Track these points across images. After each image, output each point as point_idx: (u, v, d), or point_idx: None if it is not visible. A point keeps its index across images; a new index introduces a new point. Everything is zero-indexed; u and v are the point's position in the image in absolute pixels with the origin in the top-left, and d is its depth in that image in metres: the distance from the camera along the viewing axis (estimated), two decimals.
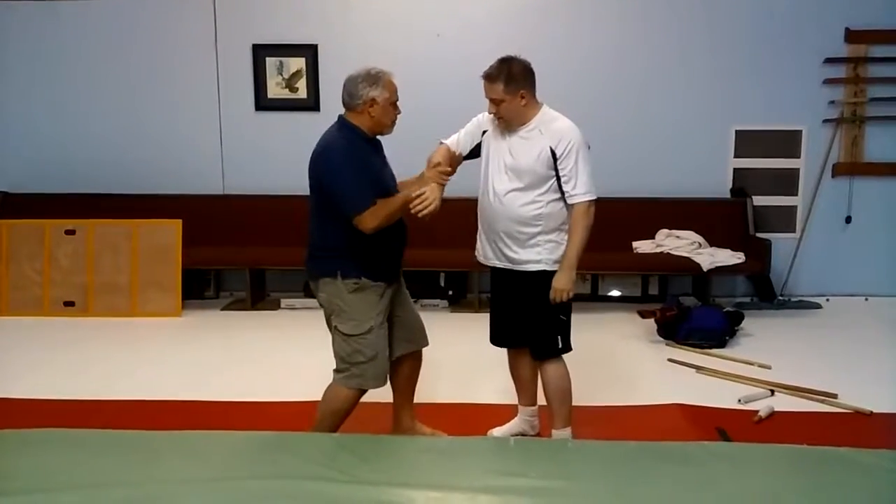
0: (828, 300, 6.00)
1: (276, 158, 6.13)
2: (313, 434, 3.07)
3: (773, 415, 3.67)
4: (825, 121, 5.98)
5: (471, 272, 5.82)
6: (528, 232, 3.08)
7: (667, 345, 4.85)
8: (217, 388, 4.09)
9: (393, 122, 3.04)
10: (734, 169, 6.10)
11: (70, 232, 5.70)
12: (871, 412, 3.70)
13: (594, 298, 5.99)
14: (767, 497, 2.55)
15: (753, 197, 5.98)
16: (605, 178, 5.62)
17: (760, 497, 2.56)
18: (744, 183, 6.06)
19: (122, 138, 6.24)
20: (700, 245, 5.77)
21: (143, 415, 3.71)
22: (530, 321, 3.19)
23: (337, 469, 2.68)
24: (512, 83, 3.00)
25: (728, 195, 6.09)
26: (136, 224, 5.69)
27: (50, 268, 5.68)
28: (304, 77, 6.11)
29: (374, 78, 2.94)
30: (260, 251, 5.92)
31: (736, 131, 6.06)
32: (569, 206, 3.09)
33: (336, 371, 3.08)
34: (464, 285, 6.01)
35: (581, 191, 3.06)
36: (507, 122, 3.08)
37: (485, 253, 3.23)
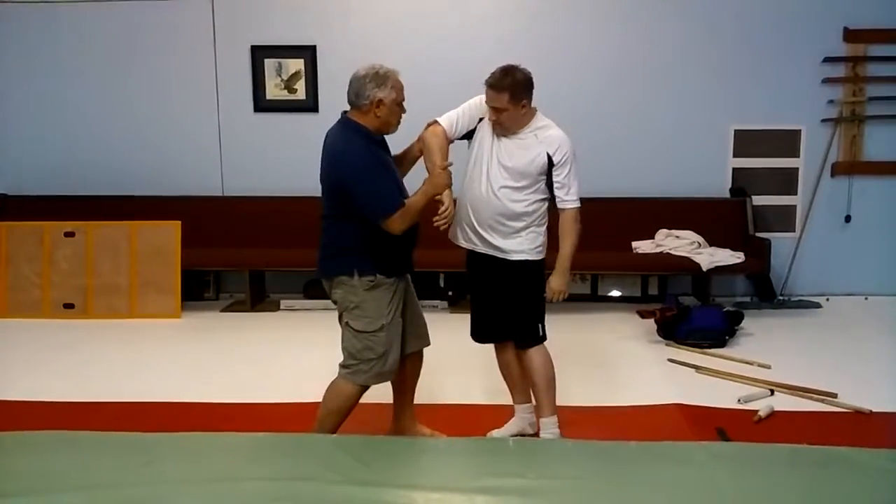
0: (827, 299, 6.00)
1: (276, 160, 6.14)
2: (313, 435, 3.07)
3: (772, 414, 3.66)
4: (824, 120, 5.98)
5: None
6: (514, 226, 3.19)
7: (666, 345, 4.84)
8: (216, 389, 4.09)
9: (398, 122, 3.04)
10: (733, 168, 6.10)
11: (69, 234, 5.70)
12: (871, 411, 3.69)
13: (594, 298, 5.99)
14: (767, 497, 2.56)
15: (753, 196, 5.98)
16: (604, 178, 5.74)
17: (760, 497, 2.56)
18: (743, 182, 6.06)
19: (121, 140, 6.24)
20: (699, 245, 5.77)
21: (142, 416, 3.70)
22: (512, 310, 3.26)
23: (336, 470, 2.68)
24: (517, 94, 3.07)
25: (727, 195, 6.10)
26: (136, 226, 5.69)
27: (49, 270, 5.68)
28: (303, 78, 6.11)
29: (382, 78, 2.93)
30: (259, 252, 5.92)
31: (735, 131, 6.06)
32: (559, 210, 3.24)
33: (342, 366, 3.09)
34: (463, 286, 6.00)
35: (573, 198, 3.22)
36: (504, 130, 3.15)
37: (466, 237, 3.27)
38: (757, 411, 3.67)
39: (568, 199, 3.20)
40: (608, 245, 5.58)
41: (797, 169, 6.10)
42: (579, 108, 5.82)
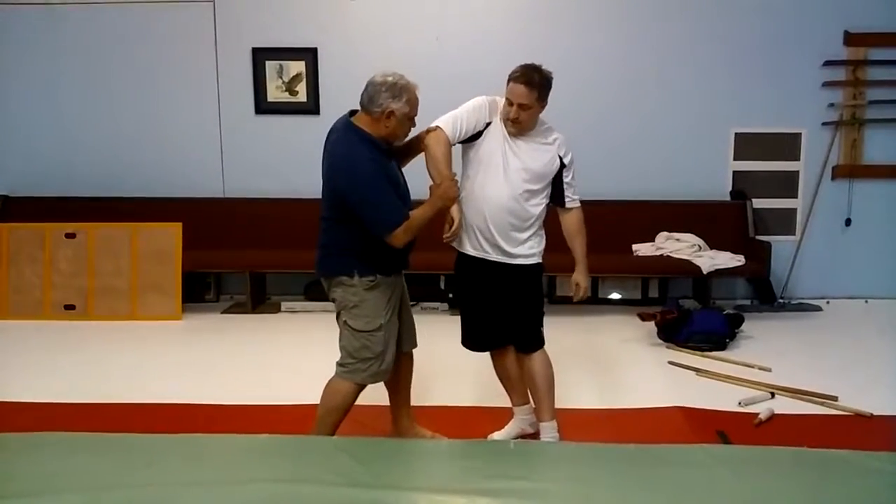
0: (828, 302, 6.00)
1: (277, 162, 6.14)
2: (313, 437, 3.07)
3: (773, 417, 3.66)
4: (824, 123, 5.99)
5: None
6: (527, 230, 3.18)
7: (667, 347, 4.84)
8: (217, 391, 4.09)
9: (406, 135, 3.04)
10: (734, 171, 6.11)
11: (70, 235, 5.70)
12: (872, 414, 3.69)
13: (594, 301, 5.97)
14: (768, 499, 2.55)
15: (753, 199, 5.98)
16: (605, 181, 5.75)
17: (761, 500, 2.55)
18: (744, 185, 6.06)
19: (122, 142, 6.25)
20: (700, 248, 5.77)
21: (143, 418, 3.71)
22: (518, 315, 3.24)
23: (336, 472, 2.68)
24: (544, 94, 3.07)
25: (728, 198, 6.10)
26: (137, 227, 5.69)
27: (50, 271, 5.68)
28: (304, 80, 6.12)
29: (399, 90, 2.89)
30: (260, 254, 5.92)
31: (735, 134, 6.06)
32: (566, 210, 3.28)
33: (339, 365, 3.09)
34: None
35: (578, 196, 3.30)
36: (521, 128, 3.12)
37: (478, 245, 3.19)
38: (757, 414, 3.67)
39: (576, 198, 3.27)
40: (609, 248, 5.57)
41: (798, 172, 6.10)
42: (580, 111, 5.83)
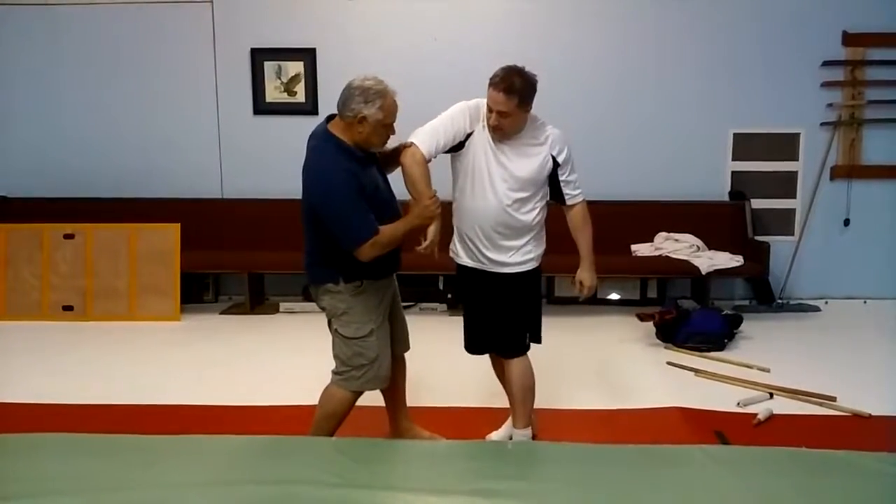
0: (826, 303, 6.01)
1: (275, 162, 6.13)
2: (311, 438, 3.07)
3: (771, 418, 3.67)
4: (823, 123, 5.99)
5: None
6: (522, 237, 3.09)
7: (665, 348, 4.85)
8: (216, 391, 4.09)
9: (382, 143, 2.91)
10: (732, 172, 6.11)
11: (69, 236, 5.70)
12: (870, 415, 3.70)
13: (593, 301, 5.90)
14: (766, 500, 2.56)
15: (752, 200, 5.99)
16: (603, 181, 5.74)
17: (760, 500, 2.56)
18: (742, 186, 6.06)
19: (121, 142, 6.25)
20: (699, 248, 5.77)
21: (141, 419, 3.71)
22: (503, 319, 3.16)
23: (335, 473, 2.68)
24: (526, 100, 2.92)
25: (726, 198, 6.10)
26: (135, 228, 5.69)
27: (49, 272, 5.68)
28: (303, 81, 6.12)
29: (371, 95, 2.79)
30: (259, 255, 5.92)
31: (734, 134, 6.06)
32: (569, 206, 3.17)
33: (335, 373, 3.07)
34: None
35: (579, 191, 3.17)
36: (504, 135, 3.00)
37: (473, 256, 3.13)
38: (756, 414, 3.67)
39: (577, 193, 3.14)
40: (607, 248, 5.51)
41: (796, 172, 6.10)
42: (579, 111, 5.83)
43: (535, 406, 3.43)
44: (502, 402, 3.52)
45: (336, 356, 3.06)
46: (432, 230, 2.91)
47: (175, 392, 4.09)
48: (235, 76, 6.16)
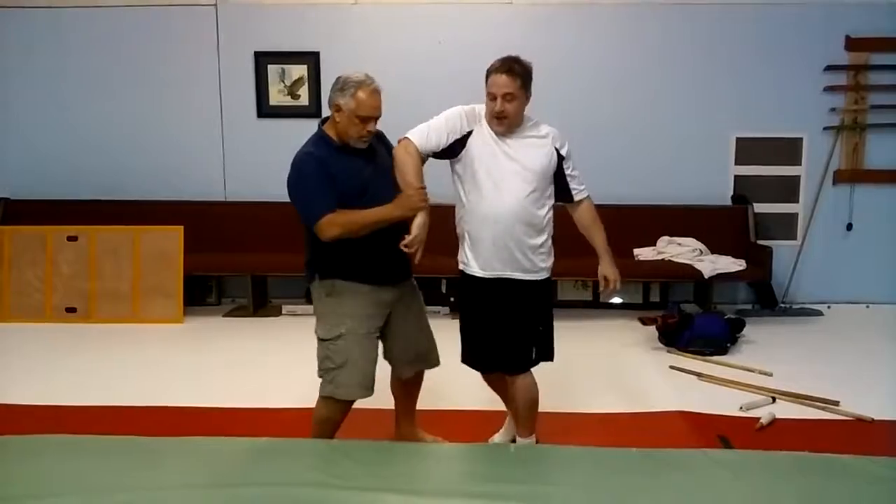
0: (829, 307, 6.00)
1: (278, 165, 6.01)
2: (313, 440, 3.06)
3: (774, 422, 3.66)
4: (826, 128, 5.99)
5: None
6: (540, 237, 3.02)
7: (668, 352, 4.84)
8: (218, 394, 4.09)
9: (360, 137, 2.84)
10: (735, 176, 6.12)
11: (72, 238, 5.71)
12: (873, 419, 3.69)
13: (595, 305, 5.98)
14: None
15: (755, 204, 5.99)
16: (606, 185, 5.73)
17: None
18: (745, 190, 6.07)
19: (124, 145, 6.26)
20: (701, 252, 5.77)
21: (144, 420, 3.71)
22: (516, 332, 3.05)
23: (337, 475, 2.68)
24: (528, 81, 2.92)
25: (729, 202, 6.10)
26: (138, 230, 5.70)
27: (52, 274, 5.69)
28: (306, 84, 6.14)
29: (347, 85, 2.81)
30: (262, 258, 5.93)
31: (737, 139, 6.07)
32: (576, 202, 3.15)
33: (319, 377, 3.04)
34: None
35: (584, 186, 3.16)
36: (509, 123, 2.93)
37: (488, 265, 3.03)
38: (759, 419, 3.67)
39: (583, 188, 3.13)
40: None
41: (799, 177, 6.11)
42: (582, 115, 5.84)
43: (538, 410, 3.43)
44: (504, 404, 3.51)
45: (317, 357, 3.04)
46: (417, 224, 2.82)
47: (178, 394, 4.09)
48: (239, 79, 6.17)
